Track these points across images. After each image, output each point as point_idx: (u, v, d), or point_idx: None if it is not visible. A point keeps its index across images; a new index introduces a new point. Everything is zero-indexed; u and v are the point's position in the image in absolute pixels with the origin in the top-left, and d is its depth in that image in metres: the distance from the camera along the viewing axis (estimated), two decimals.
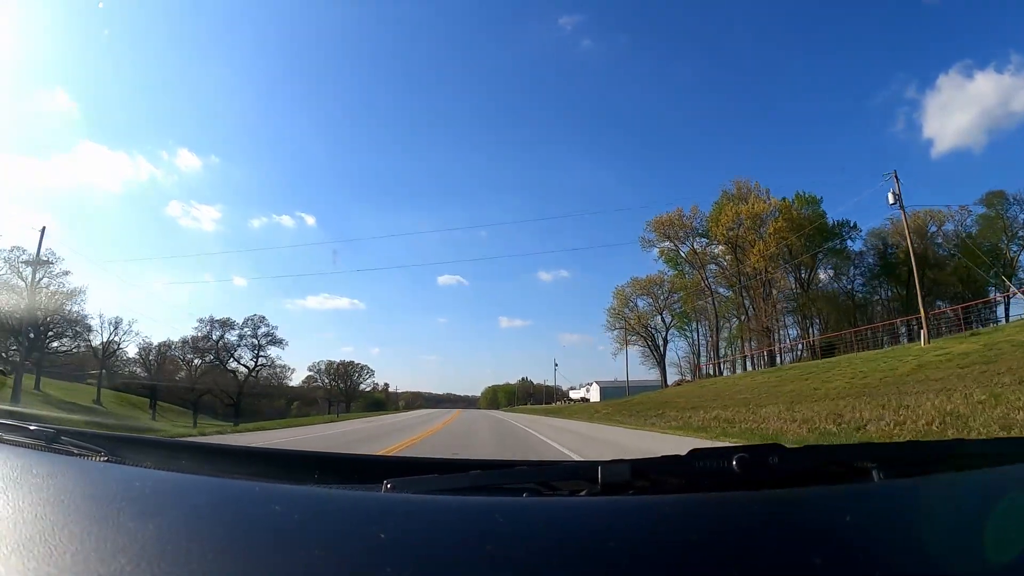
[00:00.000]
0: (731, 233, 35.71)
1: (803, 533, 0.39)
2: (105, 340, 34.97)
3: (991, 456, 0.58)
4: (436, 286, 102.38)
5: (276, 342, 44.06)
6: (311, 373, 58.53)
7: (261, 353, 43.43)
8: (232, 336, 42.66)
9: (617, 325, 43.61)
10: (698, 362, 41.77)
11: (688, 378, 39.31)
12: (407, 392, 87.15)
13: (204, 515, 0.43)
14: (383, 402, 68.81)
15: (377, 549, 0.36)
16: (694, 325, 42.87)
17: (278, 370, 46.29)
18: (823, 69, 59.76)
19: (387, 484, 0.54)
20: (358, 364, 61.76)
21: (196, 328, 42.30)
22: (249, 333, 42.96)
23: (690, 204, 42.73)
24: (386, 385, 76.00)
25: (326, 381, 58.69)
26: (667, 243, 39.46)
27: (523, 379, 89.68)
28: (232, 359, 43.16)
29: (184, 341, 41.73)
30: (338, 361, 60.46)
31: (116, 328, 35.45)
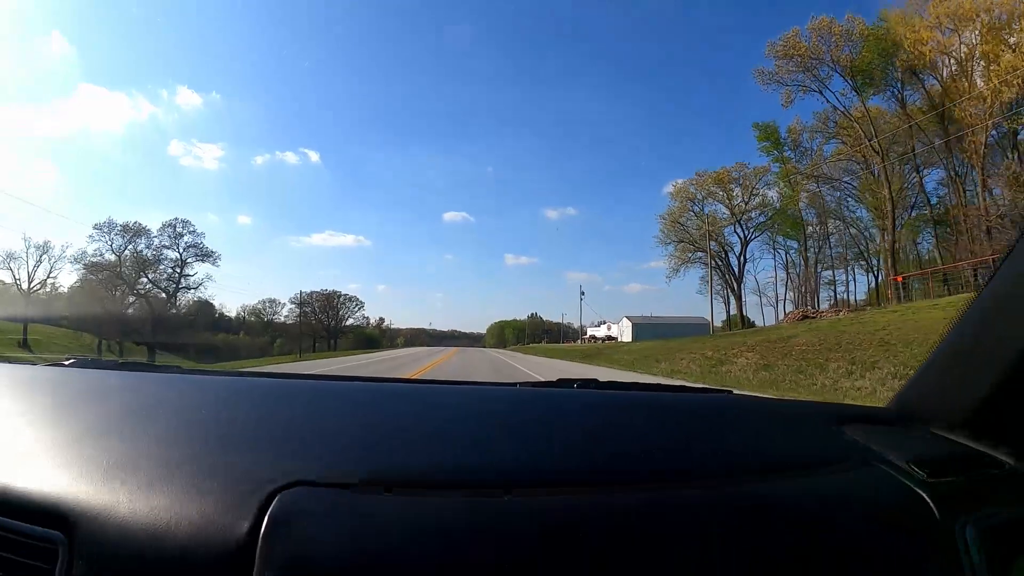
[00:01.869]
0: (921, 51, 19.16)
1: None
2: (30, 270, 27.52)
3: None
4: (442, 222, 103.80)
5: (205, 256, 33.31)
6: (291, 305, 52.73)
7: (185, 273, 32.40)
8: (148, 249, 31.58)
9: (672, 238, 30.68)
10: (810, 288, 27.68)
11: (796, 312, 23.61)
12: (408, 329, 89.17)
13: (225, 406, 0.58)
14: (376, 339, 65.79)
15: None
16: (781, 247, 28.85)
17: (204, 294, 35.30)
18: None
19: None
20: (344, 295, 56.17)
21: (92, 238, 30.79)
22: (167, 243, 32.10)
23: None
24: (380, 320, 74.36)
25: (307, 313, 52.64)
26: (796, 79, 22.77)
27: (533, 314, 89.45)
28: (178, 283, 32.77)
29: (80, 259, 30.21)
30: (318, 290, 54.29)
31: (43, 254, 27.83)
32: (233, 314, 49.48)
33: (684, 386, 0.82)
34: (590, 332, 64.87)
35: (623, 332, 54.57)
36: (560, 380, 0.78)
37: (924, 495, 0.43)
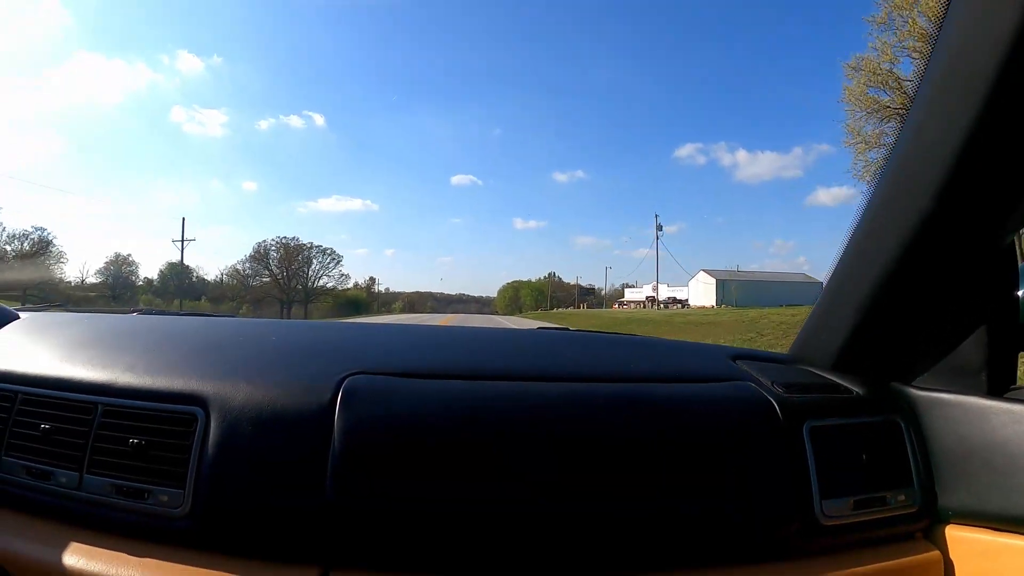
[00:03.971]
0: None
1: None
2: None
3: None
4: (449, 186, 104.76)
5: None
6: (247, 263, 45.83)
7: None
8: None
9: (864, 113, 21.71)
10: None
11: None
12: (412, 293, 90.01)
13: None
14: (363, 303, 58.24)
15: None
16: None
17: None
18: None
19: None
20: (316, 246, 47.73)
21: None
22: None
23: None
24: (370, 281, 69.91)
25: (270, 272, 45.72)
26: None
27: (551, 274, 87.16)
28: None
29: None
30: (280, 238, 46.72)
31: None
32: (211, 277, 47.84)
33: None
34: (630, 295, 61.04)
35: (693, 293, 48.25)
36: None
37: (774, 402, 0.66)
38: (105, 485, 0.61)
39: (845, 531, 0.64)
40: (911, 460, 0.69)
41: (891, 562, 0.65)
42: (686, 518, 0.60)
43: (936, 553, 0.67)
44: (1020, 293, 0.71)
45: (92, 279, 40.59)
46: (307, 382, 0.63)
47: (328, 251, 48.94)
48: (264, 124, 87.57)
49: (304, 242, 47.93)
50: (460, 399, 0.62)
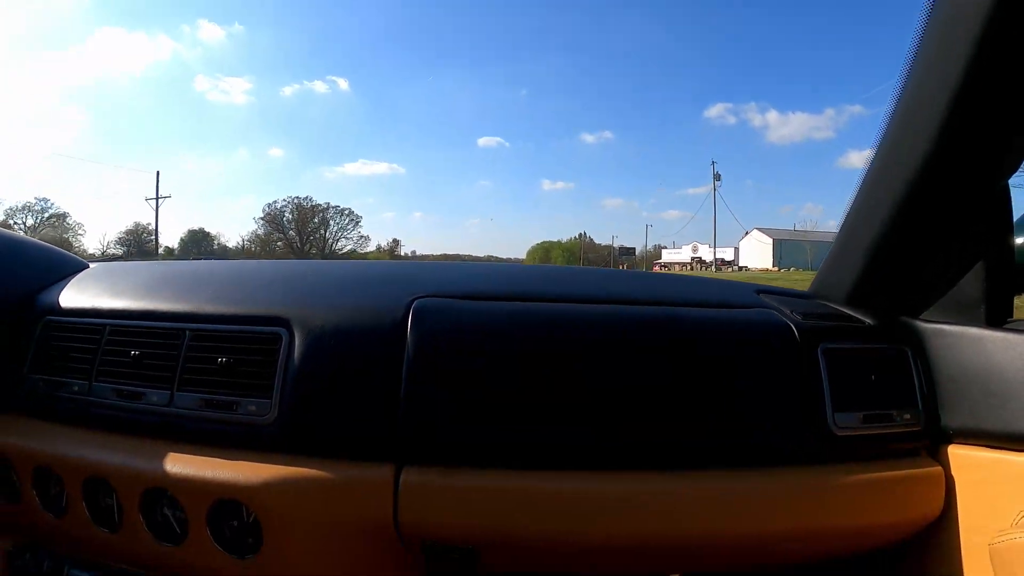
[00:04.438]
0: None
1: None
2: None
3: None
4: (476, 148, 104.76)
5: None
6: (260, 226, 44.26)
7: None
8: None
9: None
10: None
11: None
12: (439, 256, 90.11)
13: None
14: None
15: None
16: None
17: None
18: None
19: None
20: (332, 207, 46.02)
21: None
22: None
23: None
24: (394, 243, 67.78)
25: (282, 235, 44.34)
26: None
27: (581, 234, 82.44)
28: None
29: None
30: (293, 198, 44.75)
31: None
32: (231, 244, 47.91)
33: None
34: (668, 256, 58.57)
35: (745, 254, 45.95)
36: None
37: (792, 326, 0.74)
38: (196, 400, 0.70)
39: (855, 442, 0.73)
40: (916, 384, 0.77)
41: (897, 472, 0.73)
42: (714, 425, 0.69)
43: (938, 468, 0.75)
44: (1019, 241, 0.79)
45: (113, 250, 41.18)
46: (381, 303, 0.72)
47: (346, 211, 47.67)
48: (288, 90, 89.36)
49: (320, 202, 46.70)
50: (516, 316, 0.71)
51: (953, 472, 0.75)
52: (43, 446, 0.75)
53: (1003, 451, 0.72)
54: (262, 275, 0.85)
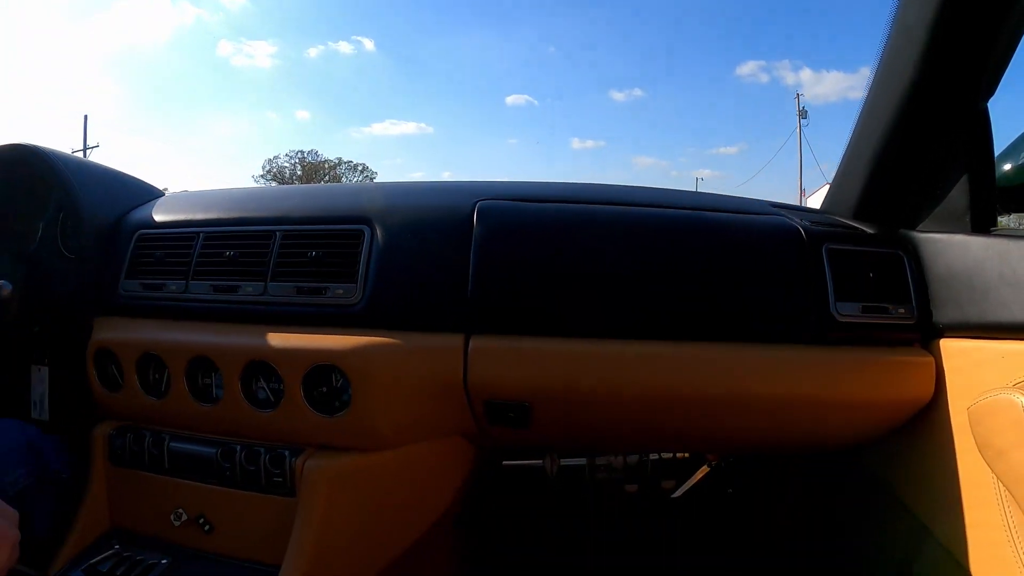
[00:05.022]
0: None
1: None
2: None
3: None
4: (505, 107, 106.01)
5: None
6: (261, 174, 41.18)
7: None
8: None
9: None
10: None
11: None
12: None
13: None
14: None
15: None
16: None
17: None
18: None
19: None
20: (345, 162, 42.42)
21: None
22: None
23: None
24: None
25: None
26: None
27: None
28: None
29: None
30: (296, 152, 41.39)
31: None
32: None
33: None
34: None
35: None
36: None
37: (800, 229, 0.87)
38: (288, 289, 0.83)
39: (855, 328, 0.85)
40: (909, 284, 0.89)
41: (892, 358, 0.86)
42: (733, 307, 0.81)
43: (929, 358, 0.88)
44: (1005, 167, 0.92)
45: None
46: (450, 204, 0.85)
47: (359, 167, 44.79)
48: (313, 52, 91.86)
49: (329, 157, 44.13)
50: (563, 213, 0.84)
51: (943, 361, 0.87)
52: (147, 336, 0.87)
53: (984, 339, 0.84)
54: (341, 188, 0.98)
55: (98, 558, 0.82)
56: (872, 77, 0.88)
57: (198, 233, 0.90)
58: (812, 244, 0.86)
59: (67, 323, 0.97)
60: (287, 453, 0.79)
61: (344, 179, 43.20)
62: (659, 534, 1.25)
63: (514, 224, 0.82)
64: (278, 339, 0.79)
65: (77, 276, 0.97)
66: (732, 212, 0.91)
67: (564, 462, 1.11)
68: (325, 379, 0.79)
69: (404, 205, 0.86)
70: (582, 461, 1.10)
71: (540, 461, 1.10)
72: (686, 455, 1.17)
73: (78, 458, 0.92)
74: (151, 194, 1.07)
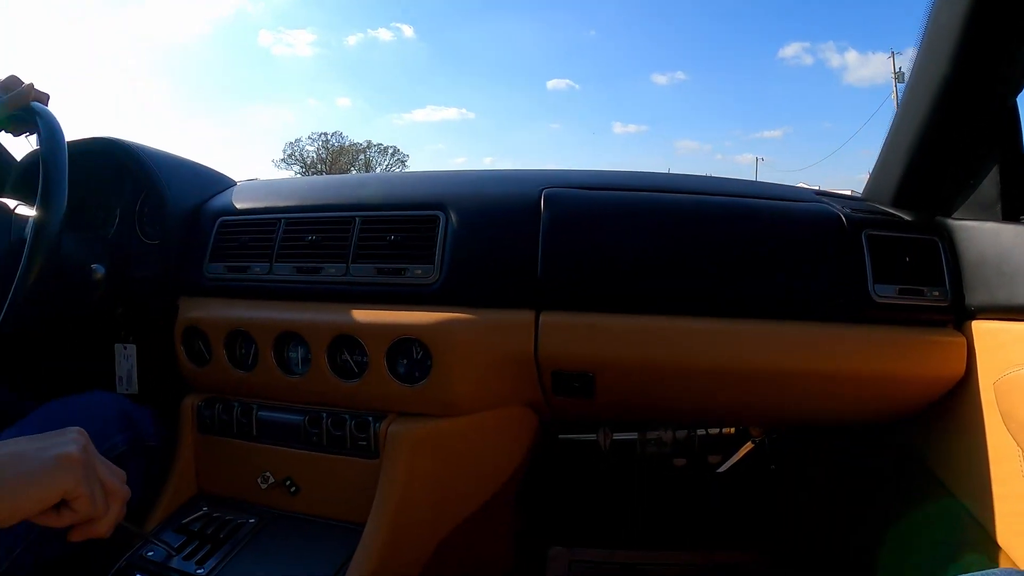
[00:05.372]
0: None
1: None
2: None
3: None
4: (546, 91, 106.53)
5: None
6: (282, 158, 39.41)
7: None
8: None
9: None
10: None
11: None
12: None
13: None
14: None
15: None
16: None
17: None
18: None
19: None
20: (374, 145, 40.24)
21: None
22: None
23: None
24: None
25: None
26: None
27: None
28: None
29: None
30: (319, 134, 39.13)
31: None
32: None
33: None
34: None
35: None
36: None
37: (842, 216, 0.94)
38: (369, 270, 0.91)
39: (892, 309, 0.92)
40: (944, 268, 0.96)
41: (926, 337, 0.93)
42: (777, 287, 0.89)
43: (962, 338, 0.95)
44: None
45: None
46: (519, 191, 0.92)
47: (390, 150, 42.56)
48: (352, 40, 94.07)
49: (357, 141, 41.89)
50: (626, 202, 0.91)
51: (974, 341, 0.94)
52: (235, 314, 0.95)
53: (1013, 321, 0.91)
54: (414, 176, 1.06)
55: (188, 519, 0.90)
56: (910, 71, 0.95)
57: (279, 219, 0.98)
58: (852, 230, 0.94)
59: (151, 304, 1.05)
60: (371, 419, 0.87)
61: (374, 162, 42.41)
62: (704, 507, 1.33)
63: (578, 210, 0.90)
64: (363, 315, 0.87)
65: (159, 260, 1.05)
66: (779, 200, 0.98)
67: (616, 436, 1.18)
68: (406, 351, 0.87)
69: (476, 192, 0.93)
70: (633, 436, 1.17)
71: (594, 435, 1.18)
72: (732, 431, 1.25)
73: (165, 428, 1.00)
74: (225, 183, 1.16)
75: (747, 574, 1.26)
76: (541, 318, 0.86)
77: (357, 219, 0.94)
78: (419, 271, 0.89)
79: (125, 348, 1.08)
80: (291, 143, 41.68)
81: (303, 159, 40.77)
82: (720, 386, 0.91)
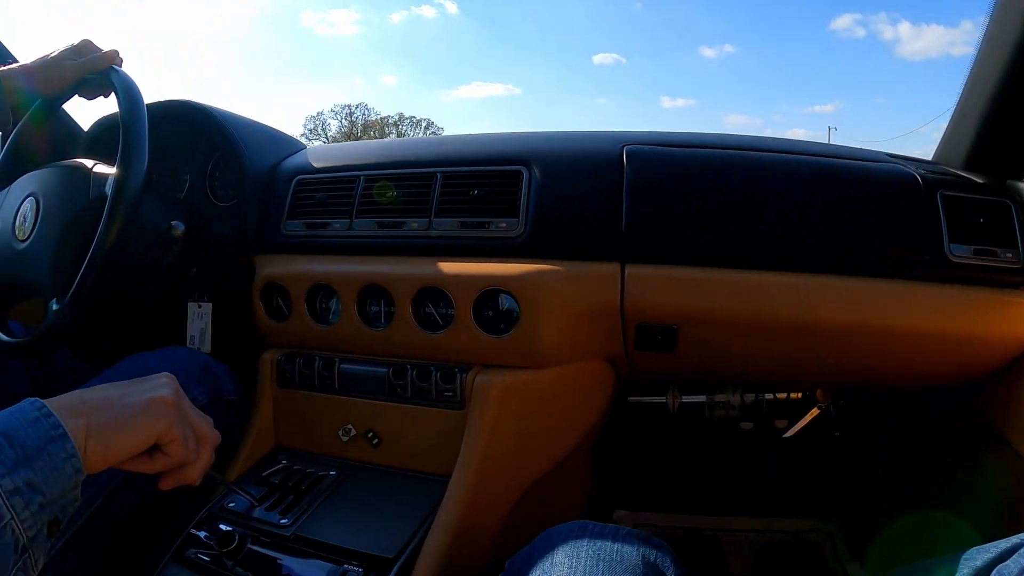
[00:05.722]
0: None
1: None
2: None
3: None
4: (592, 65, 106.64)
5: None
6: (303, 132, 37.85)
7: None
8: None
9: None
10: None
11: None
12: None
13: None
14: None
15: None
16: None
17: None
18: None
19: None
20: (406, 118, 39.64)
21: None
22: None
23: None
24: None
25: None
26: None
27: None
28: None
29: None
30: (343, 106, 38.61)
31: None
32: None
33: None
34: None
35: None
36: None
37: (918, 176, 0.96)
38: (452, 223, 0.93)
39: (966, 268, 0.93)
40: (1016, 231, 0.98)
41: (999, 297, 0.94)
42: (856, 245, 0.90)
43: None
44: None
45: None
46: (601, 148, 0.94)
47: (423, 122, 41.41)
48: (396, 17, 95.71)
49: (387, 114, 40.26)
50: (706, 159, 0.93)
51: None
52: (317, 269, 0.97)
53: None
54: (491, 136, 1.08)
55: (268, 471, 0.92)
56: (981, 36, 0.97)
57: (358, 176, 1.00)
58: (928, 190, 0.95)
59: (226, 263, 1.08)
60: (457, 370, 0.89)
61: (408, 134, 40.20)
62: (769, 473, 1.35)
63: (659, 166, 0.92)
64: (449, 267, 0.90)
65: (235, 220, 1.08)
66: (856, 160, 1.00)
67: (685, 399, 1.20)
68: (492, 303, 0.89)
69: (558, 149, 0.96)
70: (701, 398, 1.19)
71: (663, 398, 1.20)
72: (799, 396, 1.26)
73: (241, 384, 1.02)
74: (297, 145, 1.18)
75: (809, 542, 1.27)
76: (627, 270, 0.88)
77: (438, 175, 0.96)
78: (503, 224, 0.91)
79: (200, 306, 1.10)
80: (312, 116, 41.64)
81: (325, 133, 40.62)
82: (797, 341, 0.93)
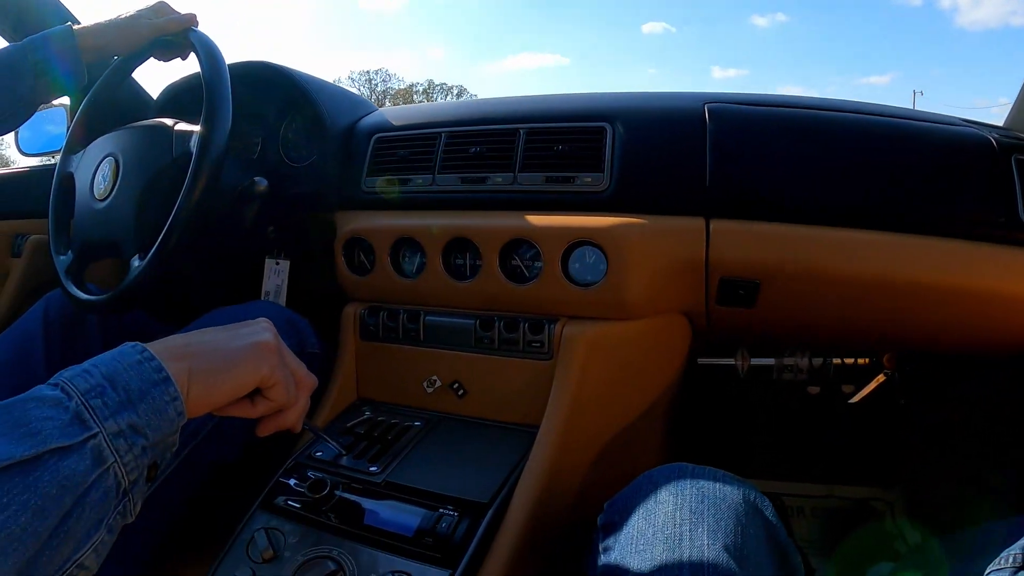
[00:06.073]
0: None
1: None
2: None
3: None
4: (641, 34, 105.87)
5: None
6: None
7: None
8: None
9: None
10: None
11: None
12: None
13: None
14: None
15: None
16: None
17: None
18: None
19: None
20: (436, 85, 37.99)
21: None
22: None
23: None
24: None
25: None
26: None
27: None
28: None
29: None
30: (362, 72, 37.17)
31: None
32: None
33: None
34: None
35: None
36: None
37: (992, 140, 0.97)
38: (537, 178, 0.95)
39: None
40: None
41: None
42: (933, 205, 0.92)
43: None
44: None
45: None
46: (683, 105, 0.96)
47: (454, 89, 40.54)
48: None
49: (414, 82, 38.57)
50: (788, 117, 0.95)
51: None
52: (401, 223, 1.00)
53: None
54: (572, 95, 1.10)
55: (353, 422, 0.95)
56: None
57: (439, 133, 1.03)
58: (1003, 153, 0.96)
59: (304, 221, 1.11)
60: (546, 321, 0.91)
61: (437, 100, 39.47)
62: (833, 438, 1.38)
63: (741, 123, 0.94)
64: (537, 219, 0.92)
65: (312, 179, 1.11)
66: (931, 122, 1.02)
67: (754, 361, 1.23)
68: (579, 255, 0.91)
69: (640, 106, 0.97)
70: (770, 361, 1.21)
71: (732, 360, 1.22)
72: (866, 361, 1.29)
73: (323, 338, 1.05)
74: (370, 107, 1.21)
75: (871, 509, 1.30)
76: (712, 225, 0.90)
77: (521, 131, 0.98)
78: (588, 179, 0.93)
79: (278, 264, 1.14)
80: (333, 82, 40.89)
81: None
82: (872, 299, 0.95)
